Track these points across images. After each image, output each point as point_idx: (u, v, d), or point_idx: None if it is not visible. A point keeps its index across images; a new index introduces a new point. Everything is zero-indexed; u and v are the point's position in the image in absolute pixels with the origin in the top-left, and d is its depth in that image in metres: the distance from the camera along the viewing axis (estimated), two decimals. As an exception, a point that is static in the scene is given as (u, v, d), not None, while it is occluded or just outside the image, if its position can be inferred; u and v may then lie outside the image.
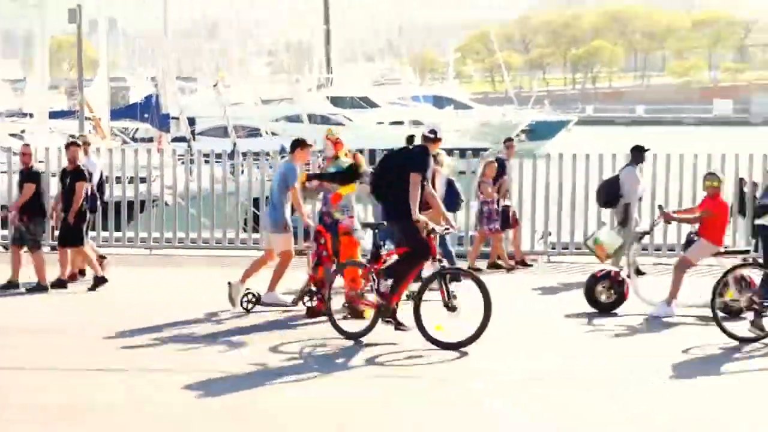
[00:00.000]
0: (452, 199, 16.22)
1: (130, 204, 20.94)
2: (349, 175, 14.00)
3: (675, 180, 19.21)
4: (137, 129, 41.57)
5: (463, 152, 20.72)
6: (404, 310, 12.35)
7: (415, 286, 12.62)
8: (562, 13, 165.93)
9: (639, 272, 15.19)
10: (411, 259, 12.19)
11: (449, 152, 20.99)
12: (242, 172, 21.16)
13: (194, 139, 37.44)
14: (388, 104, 59.70)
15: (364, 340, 12.24)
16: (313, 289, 13.84)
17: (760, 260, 14.17)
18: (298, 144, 14.80)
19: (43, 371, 10.95)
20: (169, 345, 12.21)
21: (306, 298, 13.97)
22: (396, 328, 12.27)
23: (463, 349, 11.76)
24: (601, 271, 14.57)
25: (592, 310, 14.30)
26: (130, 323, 13.31)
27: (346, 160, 14.10)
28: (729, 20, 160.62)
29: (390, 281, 12.18)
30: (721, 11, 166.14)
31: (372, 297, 12.50)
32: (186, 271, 18.22)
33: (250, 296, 14.31)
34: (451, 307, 11.94)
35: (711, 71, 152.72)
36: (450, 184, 16.41)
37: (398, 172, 12.18)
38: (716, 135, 70.21)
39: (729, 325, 12.60)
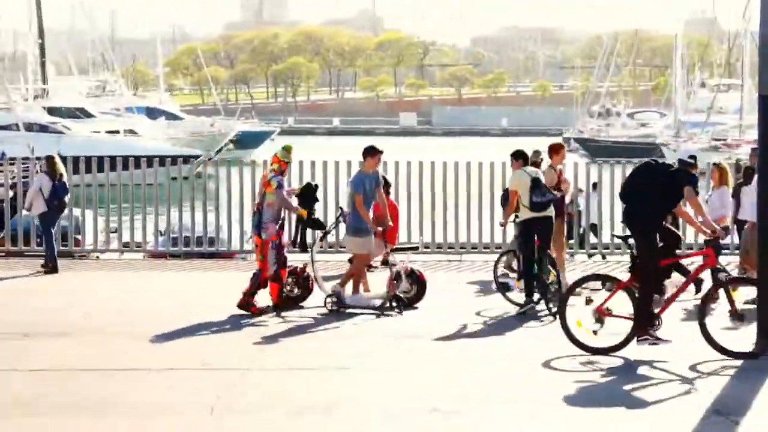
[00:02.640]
0: None
1: None
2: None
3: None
4: None
5: (174, 159, 20.54)
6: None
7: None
8: (261, 32, 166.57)
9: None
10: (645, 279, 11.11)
11: (162, 160, 20.80)
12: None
13: None
14: (103, 114, 58.43)
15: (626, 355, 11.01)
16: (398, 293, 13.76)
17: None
18: (368, 152, 14.21)
19: None
20: None
21: (394, 302, 13.64)
22: (649, 341, 11.00)
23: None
24: (289, 266, 14.41)
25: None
26: None
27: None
28: (409, 41, 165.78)
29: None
30: (402, 33, 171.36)
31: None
32: None
33: (333, 298, 13.65)
34: (738, 316, 10.98)
35: (396, 87, 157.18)
36: None
37: (657, 187, 11.06)
38: (419, 144, 71.93)
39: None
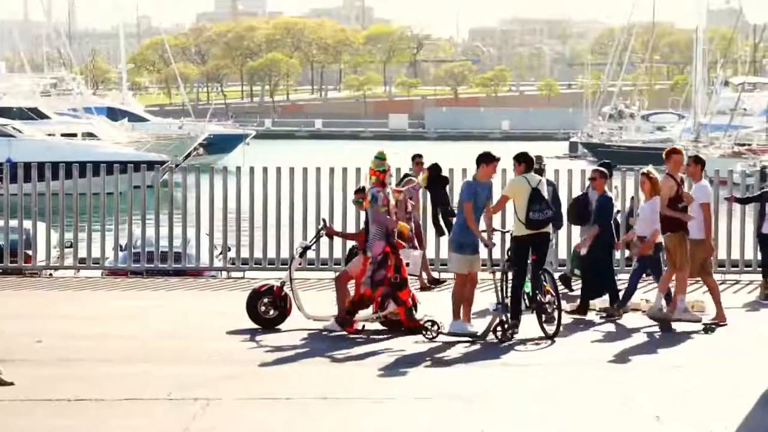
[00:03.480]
0: None
1: None
2: None
3: None
4: None
5: (137, 166, 20.54)
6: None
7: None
8: (236, 24, 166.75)
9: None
10: None
11: (124, 166, 20.79)
12: None
13: None
14: (59, 116, 58.43)
15: None
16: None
17: None
18: (482, 159, 13.77)
19: None
20: None
21: (498, 329, 13.30)
22: None
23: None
24: (264, 285, 14.47)
25: (255, 326, 14.08)
26: None
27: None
28: (401, 35, 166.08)
29: None
30: (393, 26, 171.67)
31: None
32: None
33: (430, 323, 13.42)
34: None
35: (386, 86, 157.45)
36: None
37: None
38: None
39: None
